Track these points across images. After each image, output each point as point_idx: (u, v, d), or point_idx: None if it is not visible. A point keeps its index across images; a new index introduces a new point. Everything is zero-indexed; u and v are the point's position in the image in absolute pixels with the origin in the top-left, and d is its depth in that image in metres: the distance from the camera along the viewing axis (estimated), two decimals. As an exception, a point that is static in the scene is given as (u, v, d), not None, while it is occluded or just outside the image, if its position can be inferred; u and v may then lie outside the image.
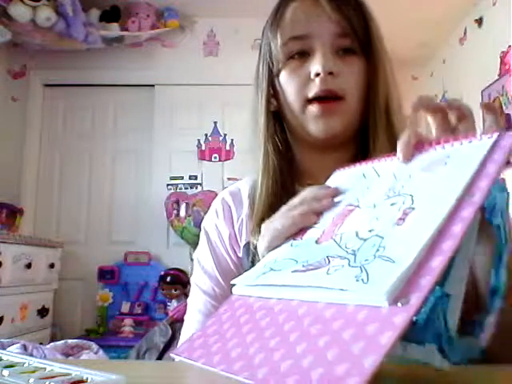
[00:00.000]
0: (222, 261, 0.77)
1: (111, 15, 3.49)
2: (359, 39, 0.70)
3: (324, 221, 0.47)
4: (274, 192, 0.72)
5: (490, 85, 3.07)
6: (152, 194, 3.58)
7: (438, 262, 0.31)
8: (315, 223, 0.47)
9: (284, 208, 0.53)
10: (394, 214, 0.38)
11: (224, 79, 3.66)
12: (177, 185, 3.60)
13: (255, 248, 0.71)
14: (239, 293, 0.46)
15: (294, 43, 0.71)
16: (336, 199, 0.49)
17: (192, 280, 0.81)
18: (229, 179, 3.59)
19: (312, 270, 0.39)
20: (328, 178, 0.74)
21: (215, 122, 3.71)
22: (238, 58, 3.66)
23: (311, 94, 0.68)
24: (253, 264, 0.71)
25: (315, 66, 0.68)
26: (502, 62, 2.95)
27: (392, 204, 0.40)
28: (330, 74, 0.67)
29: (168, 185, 3.60)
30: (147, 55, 3.71)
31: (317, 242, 0.44)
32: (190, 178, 3.63)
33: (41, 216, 3.63)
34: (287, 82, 0.72)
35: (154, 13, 3.58)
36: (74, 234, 3.60)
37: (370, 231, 0.39)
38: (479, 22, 3.27)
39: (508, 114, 2.88)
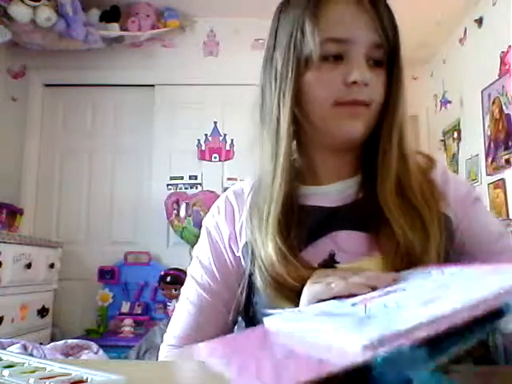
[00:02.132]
0: (220, 258, 0.78)
1: (111, 15, 3.49)
2: (389, 52, 0.71)
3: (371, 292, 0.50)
4: (287, 192, 0.71)
5: (490, 85, 3.07)
6: (152, 194, 3.58)
7: (424, 333, 0.33)
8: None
9: (342, 272, 0.57)
10: (426, 298, 0.39)
11: (224, 79, 3.66)
12: (177, 185, 3.60)
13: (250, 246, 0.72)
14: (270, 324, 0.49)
15: (332, 45, 0.69)
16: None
17: (188, 271, 0.82)
18: (229, 179, 3.59)
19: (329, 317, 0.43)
20: (331, 178, 0.76)
21: (215, 122, 3.71)
22: (238, 58, 3.66)
23: (344, 98, 0.69)
24: (252, 262, 0.72)
25: (354, 74, 0.67)
26: (502, 62, 2.95)
27: (431, 290, 0.42)
28: (365, 85, 0.68)
29: (168, 185, 3.60)
30: (147, 55, 3.71)
31: (353, 304, 0.46)
32: (190, 177, 3.63)
33: (41, 216, 3.63)
34: (316, 83, 0.70)
35: (154, 13, 3.58)
36: (74, 234, 3.60)
37: (396, 303, 0.41)
38: (479, 22, 3.27)
39: (508, 114, 2.88)
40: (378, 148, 0.72)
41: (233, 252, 0.78)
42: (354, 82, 0.67)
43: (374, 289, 0.50)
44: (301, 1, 0.72)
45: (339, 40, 0.68)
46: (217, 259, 0.78)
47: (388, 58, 0.71)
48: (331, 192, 0.75)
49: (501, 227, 0.79)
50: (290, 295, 0.64)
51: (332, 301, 0.51)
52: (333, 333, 0.37)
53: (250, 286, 0.74)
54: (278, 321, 0.49)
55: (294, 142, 0.76)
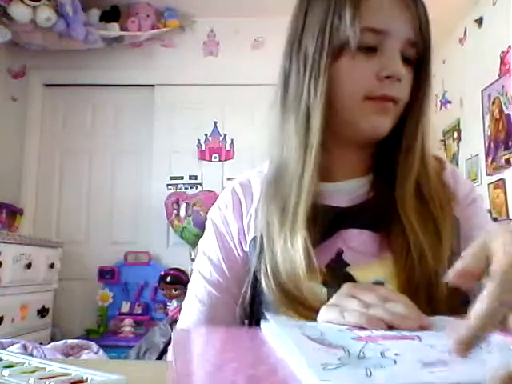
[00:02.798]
0: (229, 253, 0.76)
1: (111, 15, 3.49)
2: (421, 51, 0.69)
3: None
4: (314, 186, 0.68)
5: (490, 85, 3.07)
6: (152, 194, 3.58)
7: None
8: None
9: (369, 294, 0.50)
10: (430, 359, 0.36)
11: (224, 79, 3.66)
12: (177, 185, 3.60)
13: (262, 242, 0.70)
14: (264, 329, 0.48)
15: (370, 35, 0.66)
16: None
17: (195, 267, 0.79)
18: (229, 179, 3.59)
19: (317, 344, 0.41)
20: (345, 175, 0.74)
21: (215, 122, 3.71)
22: (237, 57, 3.66)
23: (375, 93, 0.67)
24: (259, 259, 0.70)
25: (389, 68, 0.66)
26: (502, 62, 2.95)
27: (442, 352, 0.38)
28: (398, 80, 0.66)
29: (168, 185, 3.60)
30: (147, 55, 3.71)
31: (354, 338, 0.43)
32: (190, 177, 3.63)
33: (41, 216, 3.63)
34: (349, 73, 0.67)
35: (153, 13, 3.58)
36: (74, 234, 3.60)
37: (396, 354, 0.38)
38: (479, 22, 3.26)
39: (508, 114, 2.87)
40: (396, 147, 0.71)
41: (241, 247, 0.75)
42: (388, 77, 0.66)
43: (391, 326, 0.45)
44: None
45: (378, 31, 0.66)
46: (225, 255, 0.76)
47: (418, 57, 0.69)
48: (343, 190, 0.73)
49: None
50: (301, 298, 0.63)
51: (339, 327, 0.48)
52: (303, 362, 0.36)
53: (255, 283, 0.71)
54: (272, 328, 0.47)
55: None
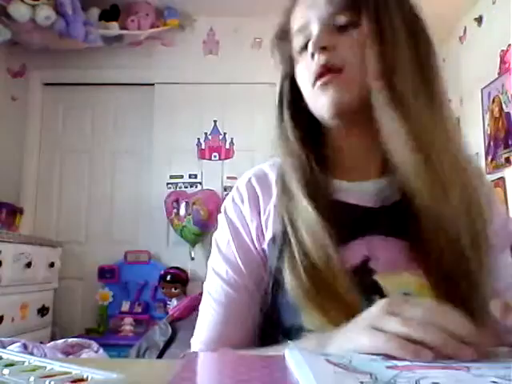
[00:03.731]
0: (245, 250, 0.72)
1: (111, 14, 3.48)
2: (359, 11, 0.67)
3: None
4: (308, 183, 0.69)
5: (490, 83, 3.07)
6: (152, 193, 3.58)
7: None
8: None
9: (425, 311, 0.43)
10: None
11: (224, 78, 3.65)
12: (177, 183, 3.60)
13: (284, 241, 0.67)
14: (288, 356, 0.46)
15: (299, 36, 0.72)
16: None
17: (210, 265, 0.76)
18: (228, 178, 3.59)
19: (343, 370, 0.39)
20: (361, 174, 0.71)
21: (215, 121, 3.70)
22: (237, 56, 3.66)
23: (314, 74, 0.68)
24: (280, 259, 0.66)
25: (309, 45, 0.69)
26: (502, 61, 2.95)
27: None
28: (323, 48, 0.67)
29: (168, 183, 3.60)
30: (147, 54, 3.71)
31: (389, 367, 0.40)
32: (190, 176, 3.63)
33: (41, 215, 3.62)
34: (299, 73, 0.74)
35: (153, 12, 3.58)
36: (74, 233, 3.60)
37: (434, 383, 0.36)
38: (479, 20, 3.26)
39: (508, 113, 2.87)
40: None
41: (259, 243, 0.72)
42: (313, 54, 0.68)
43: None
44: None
45: (301, 28, 0.72)
46: (242, 252, 0.72)
47: (371, 14, 0.67)
48: (366, 190, 0.70)
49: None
50: (325, 302, 0.60)
51: (372, 357, 0.44)
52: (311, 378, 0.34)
53: (275, 284, 0.67)
54: (296, 357, 0.43)
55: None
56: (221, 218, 0.77)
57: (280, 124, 0.78)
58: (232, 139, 3.68)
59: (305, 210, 0.66)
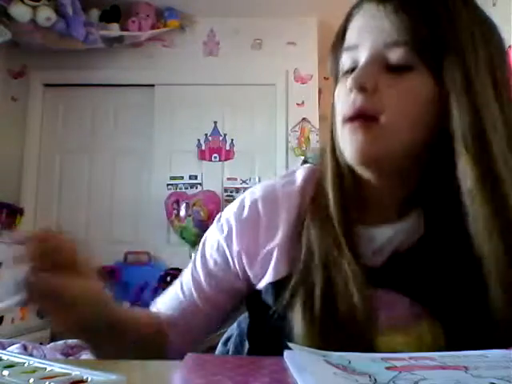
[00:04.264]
0: (225, 267, 0.71)
1: (111, 15, 3.49)
2: (419, 49, 0.57)
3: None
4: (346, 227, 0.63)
5: (490, 85, 3.07)
6: (152, 194, 3.58)
7: None
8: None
9: None
10: None
11: (224, 79, 3.66)
12: (177, 184, 3.60)
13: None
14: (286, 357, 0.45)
15: (346, 56, 0.62)
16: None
17: (194, 255, 0.75)
18: (229, 179, 3.59)
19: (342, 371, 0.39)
20: (379, 217, 0.63)
21: (215, 122, 3.71)
22: (237, 57, 3.66)
23: (347, 113, 0.59)
24: (283, 304, 0.61)
25: (349, 80, 0.58)
26: (502, 62, 2.95)
27: None
28: (363, 89, 0.57)
29: (168, 184, 3.60)
30: (147, 55, 3.71)
31: (389, 368, 0.40)
32: (190, 177, 3.63)
33: (41, 216, 3.62)
34: (336, 96, 0.64)
35: (154, 13, 3.58)
36: (74, 233, 3.59)
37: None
38: (479, 22, 3.27)
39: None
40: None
41: (244, 271, 0.69)
42: (350, 90, 0.58)
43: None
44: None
45: (349, 48, 0.62)
46: (222, 266, 0.71)
47: (432, 58, 0.57)
48: (380, 236, 0.63)
49: None
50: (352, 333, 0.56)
51: (373, 355, 0.44)
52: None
53: (273, 329, 0.63)
54: (296, 360, 0.43)
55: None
56: (219, 221, 0.74)
57: (332, 137, 0.65)
58: (232, 140, 3.69)
59: (347, 264, 0.60)
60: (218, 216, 0.75)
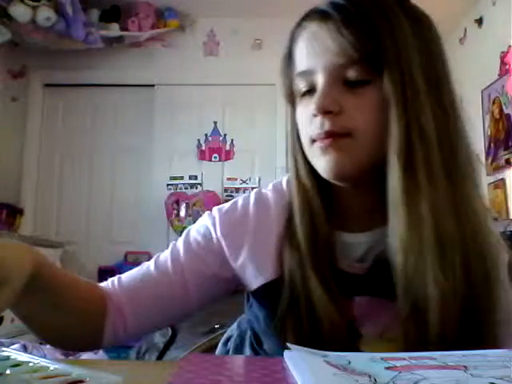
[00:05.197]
0: (199, 272, 0.71)
1: (111, 15, 3.49)
2: (369, 67, 0.59)
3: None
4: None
5: (490, 85, 3.07)
6: (152, 194, 3.58)
7: None
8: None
9: None
10: None
11: (224, 79, 3.66)
12: (177, 185, 3.60)
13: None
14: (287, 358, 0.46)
15: (300, 80, 0.64)
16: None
17: (179, 240, 0.75)
18: (229, 179, 3.59)
19: (342, 371, 0.39)
20: (360, 224, 0.65)
21: (215, 122, 3.71)
22: (238, 57, 3.66)
23: (313, 135, 0.62)
24: (275, 306, 0.63)
25: (311, 105, 0.61)
26: (502, 62, 2.95)
27: None
28: (328, 112, 0.60)
29: (168, 185, 3.60)
30: (147, 55, 3.71)
31: (389, 368, 0.41)
32: (190, 177, 3.63)
33: (41, 216, 3.62)
34: (299, 119, 0.66)
35: (153, 13, 3.58)
36: (74, 233, 3.60)
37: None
38: (479, 22, 3.27)
39: (508, 114, 2.88)
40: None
41: (227, 268, 0.70)
42: (316, 115, 0.61)
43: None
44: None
45: (303, 73, 0.63)
46: (201, 246, 0.71)
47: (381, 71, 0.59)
48: (364, 242, 0.66)
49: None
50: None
51: (372, 355, 0.45)
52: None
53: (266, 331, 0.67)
54: (296, 360, 0.43)
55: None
56: (207, 216, 0.75)
57: (294, 157, 0.68)
58: (232, 140, 3.69)
59: (313, 277, 0.62)
60: (209, 211, 0.76)
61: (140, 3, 3.54)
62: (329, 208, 0.66)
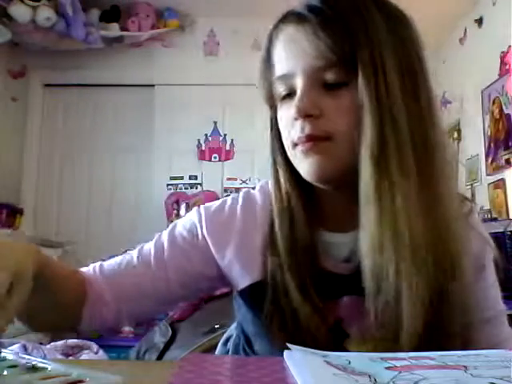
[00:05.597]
0: (192, 256, 0.71)
1: (111, 15, 3.49)
2: (347, 68, 0.59)
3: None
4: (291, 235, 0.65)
5: (490, 85, 3.07)
6: (152, 194, 3.58)
7: None
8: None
9: None
10: None
11: (224, 79, 3.66)
12: (177, 185, 3.60)
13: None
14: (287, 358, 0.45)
15: (279, 84, 0.64)
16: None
17: (166, 232, 0.78)
18: (229, 179, 3.59)
19: (342, 372, 0.39)
20: (342, 223, 0.65)
21: (215, 122, 3.71)
22: (237, 57, 3.66)
23: (294, 138, 0.62)
24: (256, 305, 0.65)
25: (291, 109, 0.61)
26: (502, 62, 2.95)
27: None
28: (309, 116, 0.60)
29: (168, 185, 3.60)
30: (147, 55, 3.71)
31: (389, 368, 0.41)
32: (190, 177, 3.63)
33: (41, 216, 3.62)
34: (280, 124, 0.66)
35: (153, 13, 3.58)
36: (74, 233, 3.60)
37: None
38: (479, 22, 3.27)
39: (508, 114, 2.87)
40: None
41: (214, 264, 0.70)
42: (296, 118, 0.61)
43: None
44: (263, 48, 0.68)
45: (282, 77, 0.63)
46: (186, 240, 0.72)
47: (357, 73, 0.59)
48: (347, 242, 0.66)
49: (496, 311, 0.67)
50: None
51: (372, 355, 0.45)
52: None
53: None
54: (296, 360, 0.43)
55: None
56: (196, 212, 0.74)
57: (274, 160, 0.68)
58: (232, 140, 3.69)
59: (291, 273, 0.63)
60: (197, 207, 0.76)
61: (140, 3, 3.54)
62: (310, 209, 0.66)
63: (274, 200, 0.67)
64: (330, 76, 0.60)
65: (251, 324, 0.69)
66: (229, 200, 0.74)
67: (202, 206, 0.75)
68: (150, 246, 0.75)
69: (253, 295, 0.67)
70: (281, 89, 0.64)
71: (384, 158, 0.57)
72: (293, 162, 0.64)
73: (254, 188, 0.75)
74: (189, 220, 0.75)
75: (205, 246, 0.71)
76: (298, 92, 0.61)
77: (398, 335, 0.57)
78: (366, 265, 0.59)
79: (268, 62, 0.66)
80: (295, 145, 0.62)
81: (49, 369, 0.44)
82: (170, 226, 0.77)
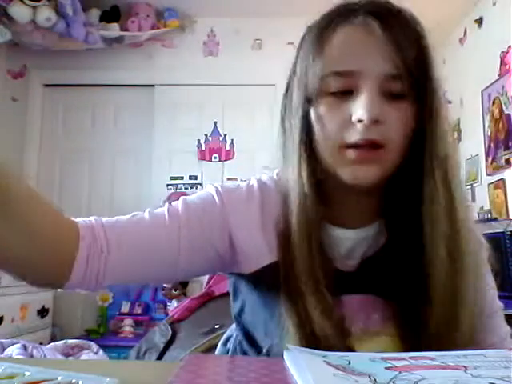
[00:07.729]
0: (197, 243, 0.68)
1: (111, 15, 3.49)
2: (412, 82, 0.60)
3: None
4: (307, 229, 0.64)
5: (490, 85, 3.07)
6: (152, 194, 3.59)
7: None
8: None
9: None
10: None
11: (224, 79, 3.66)
12: (177, 185, 3.60)
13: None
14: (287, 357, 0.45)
15: (336, 80, 0.61)
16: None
17: (173, 202, 0.74)
18: (229, 179, 3.59)
19: (342, 372, 0.39)
20: (351, 220, 0.66)
21: (215, 122, 3.71)
22: (238, 58, 3.66)
23: (350, 140, 0.60)
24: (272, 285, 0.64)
25: (359, 110, 0.59)
26: (502, 62, 2.95)
27: None
28: (376, 122, 0.59)
29: (168, 185, 3.60)
30: (147, 55, 3.71)
31: (389, 368, 0.41)
32: (190, 178, 3.63)
33: (41, 216, 3.62)
34: (324, 120, 0.62)
35: (153, 13, 3.58)
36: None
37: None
38: (479, 22, 3.27)
39: (508, 115, 2.87)
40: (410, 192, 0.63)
41: (225, 245, 0.68)
42: (361, 121, 0.59)
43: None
44: (314, 29, 0.66)
45: (343, 73, 0.60)
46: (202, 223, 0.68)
47: (417, 88, 0.61)
48: (343, 240, 0.67)
49: (492, 308, 0.68)
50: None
51: (372, 355, 0.45)
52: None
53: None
54: (296, 360, 0.43)
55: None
56: (213, 190, 0.72)
57: (300, 154, 0.65)
58: (232, 140, 3.69)
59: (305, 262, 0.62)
60: (217, 187, 0.73)
61: (140, 3, 3.54)
62: (322, 202, 0.65)
63: (291, 192, 0.65)
64: (396, 86, 0.60)
65: (262, 309, 0.67)
66: (242, 184, 0.73)
67: (216, 184, 0.73)
68: (162, 209, 0.72)
69: (269, 276, 0.65)
70: (334, 83, 0.61)
71: (445, 174, 0.62)
72: (332, 162, 0.62)
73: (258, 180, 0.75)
74: (204, 193, 0.73)
75: (221, 216, 0.68)
76: (366, 95, 0.59)
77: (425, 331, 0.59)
78: (434, 273, 0.60)
79: (319, 54, 0.63)
80: (346, 147, 0.60)
81: (24, 374, 0.41)
82: (180, 199, 0.74)
